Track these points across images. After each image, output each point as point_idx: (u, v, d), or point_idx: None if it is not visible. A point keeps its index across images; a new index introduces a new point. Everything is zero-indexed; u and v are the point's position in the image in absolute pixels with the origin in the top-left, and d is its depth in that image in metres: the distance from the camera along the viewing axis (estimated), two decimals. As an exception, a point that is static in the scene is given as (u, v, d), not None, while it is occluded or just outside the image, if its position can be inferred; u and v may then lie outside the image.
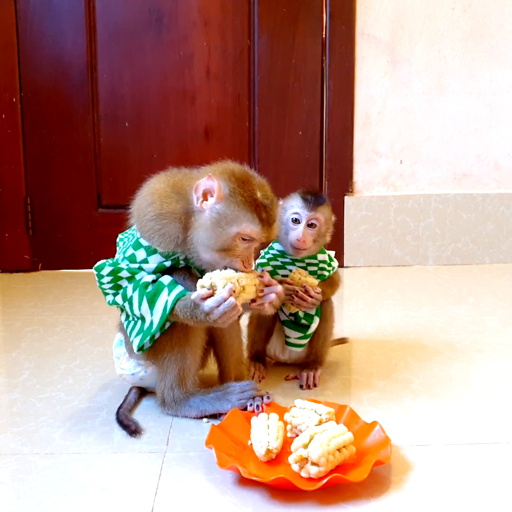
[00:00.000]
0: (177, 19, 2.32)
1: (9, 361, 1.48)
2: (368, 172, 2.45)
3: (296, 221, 1.28)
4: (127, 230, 1.22)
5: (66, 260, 2.42)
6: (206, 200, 1.09)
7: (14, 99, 2.32)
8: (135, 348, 1.13)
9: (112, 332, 1.67)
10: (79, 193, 2.40)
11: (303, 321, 1.33)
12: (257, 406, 1.12)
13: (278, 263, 1.32)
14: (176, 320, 1.10)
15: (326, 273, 1.35)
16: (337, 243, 2.41)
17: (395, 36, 2.37)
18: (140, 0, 2.31)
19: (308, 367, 1.34)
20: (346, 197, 2.43)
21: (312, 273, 1.32)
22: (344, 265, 2.45)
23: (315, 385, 1.30)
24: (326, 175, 2.43)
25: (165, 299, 1.08)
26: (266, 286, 1.13)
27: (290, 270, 1.31)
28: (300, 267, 1.32)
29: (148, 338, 1.11)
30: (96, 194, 2.40)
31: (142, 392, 1.25)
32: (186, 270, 1.15)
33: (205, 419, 1.14)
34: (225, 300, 1.03)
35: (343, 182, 2.44)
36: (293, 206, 1.29)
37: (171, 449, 1.05)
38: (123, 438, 1.09)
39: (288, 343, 1.36)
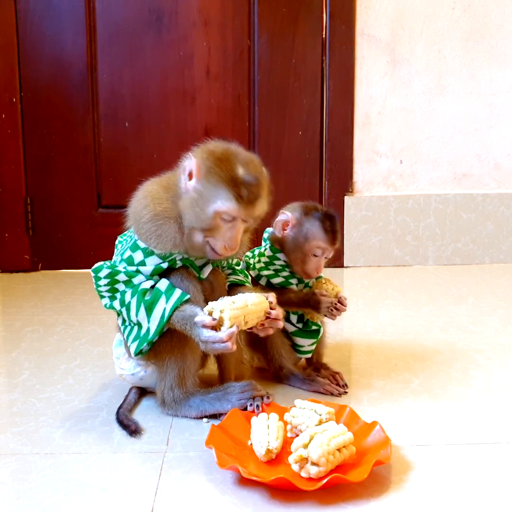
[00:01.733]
0: (177, 19, 2.32)
1: (9, 361, 1.48)
2: (368, 172, 2.45)
3: (317, 253, 1.26)
4: (126, 232, 1.21)
5: (66, 260, 2.42)
6: (191, 180, 1.08)
7: (14, 99, 2.32)
8: (132, 353, 1.14)
9: (112, 332, 1.67)
10: (79, 193, 2.40)
11: (314, 327, 1.33)
12: (257, 406, 1.12)
13: (287, 273, 1.31)
14: (172, 327, 1.10)
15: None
16: (337, 243, 2.41)
17: (395, 36, 2.37)
18: (140, 0, 2.31)
19: (319, 371, 1.33)
20: (346, 197, 2.43)
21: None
22: (344, 265, 2.45)
23: (346, 385, 1.29)
24: (326, 175, 2.43)
25: (162, 307, 1.08)
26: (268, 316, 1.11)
27: (299, 278, 1.31)
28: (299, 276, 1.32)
29: (144, 344, 1.11)
30: (96, 194, 2.40)
31: (142, 392, 1.25)
32: (184, 270, 1.14)
33: (205, 419, 1.14)
34: (223, 342, 1.02)
35: (343, 182, 2.44)
36: (316, 238, 1.24)
37: (171, 449, 1.05)
38: (123, 438, 1.09)
39: (301, 352, 1.34)
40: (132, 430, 1.09)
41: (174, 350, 1.13)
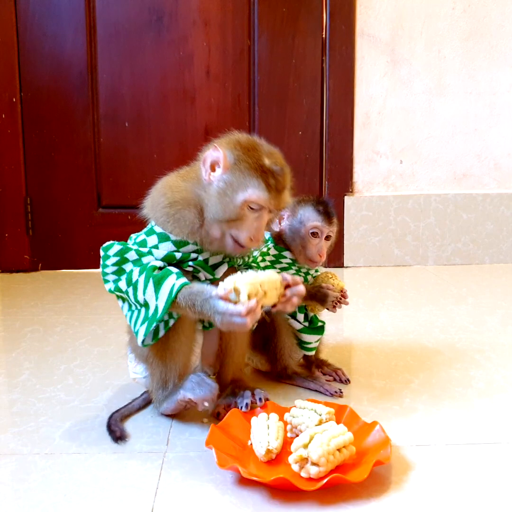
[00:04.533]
0: (177, 19, 2.32)
1: (9, 361, 1.48)
2: (368, 172, 2.45)
3: (315, 234, 1.27)
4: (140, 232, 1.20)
5: (66, 260, 2.42)
6: (214, 171, 1.08)
7: (14, 99, 2.32)
8: (139, 340, 1.09)
9: (112, 332, 1.68)
10: (79, 193, 2.40)
11: (319, 323, 1.34)
12: (246, 404, 1.12)
13: (293, 271, 1.31)
14: (176, 310, 1.06)
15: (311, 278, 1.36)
16: (337, 243, 2.40)
17: (395, 36, 2.37)
18: (140, 0, 2.31)
19: (321, 368, 1.35)
20: (346, 197, 2.43)
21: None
22: (344, 265, 2.45)
23: (348, 381, 1.32)
24: (326, 175, 2.43)
25: (172, 282, 1.04)
26: (287, 287, 1.08)
27: (305, 274, 1.31)
28: (305, 273, 1.32)
29: (154, 324, 1.06)
30: (96, 194, 2.40)
31: (151, 399, 1.22)
32: (195, 272, 1.12)
33: (205, 419, 1.14)
34: (241, 316, 0.98)
35: (343, 182, 2.44)
36: (310, 220, 1.26)
37: (171, 449, 1.05)
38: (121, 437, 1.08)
39: (307, 349, 1.35)
40: (117, 436, 1.08)
41: (157, 354, 1.12)
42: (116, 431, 1.09)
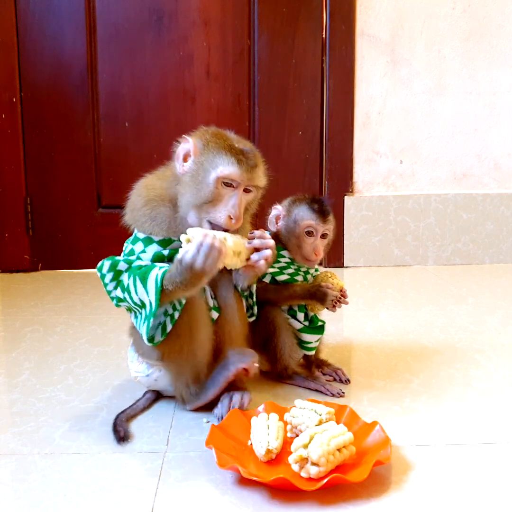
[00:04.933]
0: (177, 19, 2.32)
1: (9, 361, 1.48)
2: (368, 172, 2.45)
3: (309, 233, 1.27)
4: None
5: (66, 260, 2.42)
6: (186, 162, 1.10)
7: (14, 99, 2.32)
8: (144, 337, 1.11)
9: (112, 332, 1.68)
10: (79, 193, 2.40)
11: (319, 323, 1.34)
12: (221, 416, 1.12)
13: (292, 270, 1.31)
14: (169, 297, 1.07)
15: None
16: (337, 243, 2.41)
17: (395, 36, 2.37)
18: (140, 0, 2.31)
19: (321, 368, 1.36)
20: (346, 197, 2.43)
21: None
22: (344, 265, 2.45)
23: (348, 381, 1.32)
24: (326, 175, 2.43)
25: (155, 273, 1.06)
26: (256, 251, 1.10)
27: (305, 273, 1.32)
28: (304, 272, 1.32)
29: (151, 322, 1.08)
30: (96, 194, 2.40)
31: (155, 398, 1.23)
32: None
33: (205, 419, 1.14)
34: (201, 244, 1.00)
35: (343, 182, 2.44)
36: (305, 219, 1.27)
37: (171, 449, 1.05)
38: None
39: (307, 349, 1.35)
40: (120, 436, 1.08)
41: (183, 349, 1.12)
42: (120, 431, 1.09)
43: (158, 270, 1.06)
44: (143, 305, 1.10)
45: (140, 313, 1.12)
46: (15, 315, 1.85)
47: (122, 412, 1.16)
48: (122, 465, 1.00)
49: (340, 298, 1.27)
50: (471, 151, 2.47)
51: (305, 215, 1.27)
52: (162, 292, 1.05)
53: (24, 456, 1.03)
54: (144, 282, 1.07)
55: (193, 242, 1.01)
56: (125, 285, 1.10)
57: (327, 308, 1.29)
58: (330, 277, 1.32)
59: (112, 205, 2.37)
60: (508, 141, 2.47)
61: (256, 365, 1.14)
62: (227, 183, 1.08)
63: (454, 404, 1.22)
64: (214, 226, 1.09)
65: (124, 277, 1.10)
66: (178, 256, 1.03)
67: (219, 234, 1.05)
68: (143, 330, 1.11)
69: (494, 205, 2.46)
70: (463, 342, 1.58)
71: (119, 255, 1.17)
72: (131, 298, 1.10)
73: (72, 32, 2.31)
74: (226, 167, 1.07)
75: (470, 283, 2.20)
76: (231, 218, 1.08)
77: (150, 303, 1.07)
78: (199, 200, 1.08)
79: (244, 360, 1.13)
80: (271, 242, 1.12)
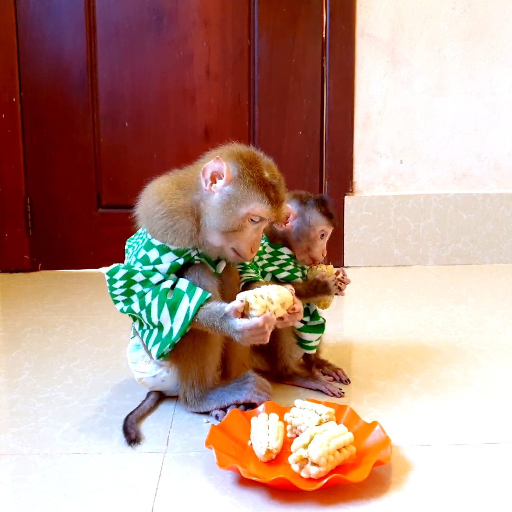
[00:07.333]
0: (177, 19, 2.32)
1: (9, 361, 1.48)
2: (368, 172, 2.45)
3: (322, 236, 1.31)
4: (134, 236, 1.20)
5: (66, 260, 2.42)
6: (215, 182, 1.10)
7: (14, 99, 2.32)
8: (154, 356, 1.13)
9: (112, 332, 1.68)
10: (79, 193, 2.39)
11: (320, 320, 1.34)
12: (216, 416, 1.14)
13: (292, 267, 1.32)
14: (196, 327, 1.09)
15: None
16: (337, 243, 2.42)
17: (395, 36, 2.37)
18: (140, 0, 2.31)
19: (321, 368, 1.36)
20: (346, 197, 2.43)
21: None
22: (344, 265, 2.45)
23: (348, 381, 1.32)
24: (326, 175, 2.43)
25: (186, 306, 1.07)
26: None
27: (302, 270, 1.32)
28: (301, 268, 1.33)
29: (167, 345, 1.10)
30: (96, 194, 2.40)
31: (159, 398, 1.23)
32: (200, 267, 1.14)
33: (205, 419, 1.14)
34: (258, 328, 1.01)
35: (343, 182, 2.44)
36: (319, 224, 1.29)
37: (171, 449, 1.05)
38: (123, 438, 1.08)
39: (308, 348, 1.35)
40: (131, 438, 1.08)
41: (196, 349, 1.13)
42: (131, 433, 1.09)
43: (189, 302, 1.07)
44: (160, 327, 1.11)
45: (150, 330, 1.13)
46: (15, 315, 1.85)
47: (131, 413, 1.15)
48: (122, 465, 1.00)
49: (342, 278, 1.29)
50: (471, 151, 2.47)
51: (320, 221, 1.30)
52: (190, 324, 1.08)
53: (24, 456, 1.03)
54: (172, 311, 1.08)
55: (251, 318, 1.02)
56: (146, 304, 1.10)
57: (336, 294, 1.30)
58: (317, 267, 1.32)
59: (112, 205, 2.37)
60: (508, 141, 2.47)
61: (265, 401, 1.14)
62: (255, 219, 1.10)
63: (454, 404, 1.22)
64: (235, 252, 1.12)
65: (147, 296, 1.10)
66: (228, 309, 1.04)
67: (270, 291, 1.06)
68: (153, 349, 1.12)
69: (494, 205, 2.46)
70: (463, 342, 1.58)
71: (119, 255, 1.17)
72: (149, 317, 1.11)
73: (72, 32, 2.31)
74: (258, 205, 1.09)
75: (470, 283, 2.20)
76: (252, 251, 1.12)
77: (171, 330, 1.09)
78: (224, 228, 1.09)
79: (260, 398, 1.14)
80: (300, 304, 1.13)
